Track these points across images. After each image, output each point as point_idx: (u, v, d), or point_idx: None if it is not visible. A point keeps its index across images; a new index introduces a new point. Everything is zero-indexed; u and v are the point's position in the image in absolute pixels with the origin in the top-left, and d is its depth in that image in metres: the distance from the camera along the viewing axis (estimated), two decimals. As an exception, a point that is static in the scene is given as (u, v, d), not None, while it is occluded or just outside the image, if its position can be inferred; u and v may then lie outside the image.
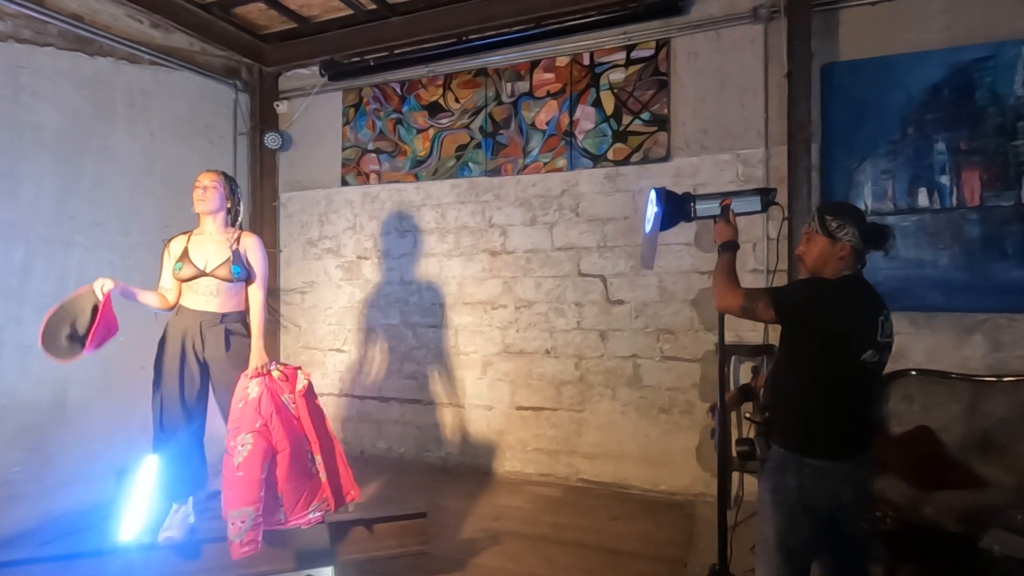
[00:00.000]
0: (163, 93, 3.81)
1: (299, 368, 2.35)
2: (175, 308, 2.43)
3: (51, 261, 3.16)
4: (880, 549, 2.31)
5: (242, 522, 2.06)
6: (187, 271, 2.32)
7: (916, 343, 2.95)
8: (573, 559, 2.69)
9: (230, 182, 2.49)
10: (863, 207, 3.00)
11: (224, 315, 2.37)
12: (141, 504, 2.42)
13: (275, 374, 2.25)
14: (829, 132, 3.04)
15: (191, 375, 2.33)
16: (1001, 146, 2.76)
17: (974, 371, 2.80)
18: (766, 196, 1.82)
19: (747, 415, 2.54)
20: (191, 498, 2.36)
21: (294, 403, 2.25)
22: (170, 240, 2.47)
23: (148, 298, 2.36)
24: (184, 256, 2.35)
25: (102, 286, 2.12)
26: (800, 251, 1.75)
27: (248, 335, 2.40)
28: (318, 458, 2.24)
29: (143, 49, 3.66)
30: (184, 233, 2.48)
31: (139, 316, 2.54)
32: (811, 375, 1.66)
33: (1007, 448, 2.54)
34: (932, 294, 2.89)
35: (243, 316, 2.46)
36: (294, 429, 2.21)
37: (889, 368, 2.90)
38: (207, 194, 2.37)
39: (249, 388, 2.19)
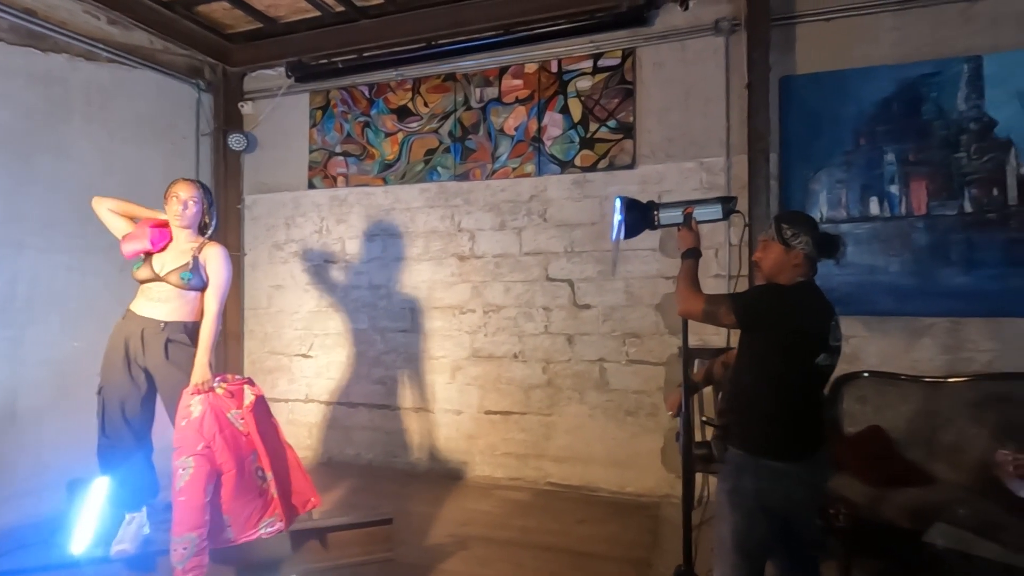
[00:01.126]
0: (122, 92, 3.71)
1: (247, 382, 2.28)
2: (125, 311, 2.35)
3: (2, 264, 3.04)
4: (835, 546, 2.40)
5: (184, 548, 2.00)
6: (143, 273, 2.26)
7: (869, 346, 3.07)
8: (540, 563, 2.71)
9: (208, 195, 2.43)
10: (819, 215, 3.11)
11: (167, 323, 2.27)
12: (93, 516, 2.34)
13: (219, 391, 2.19)
14: (787, 142, 3.15)
15: (133, 382, 2.25)
16: (946, 158, 2.90)
17: (923, 373, 2.93)
18: (727, 204, 1.88)
19: (704, 418, 2.60)
20: (145, 508, 2.28)
21: (242, 419, 2.18)
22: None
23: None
24: (148, 255, 2.30)
25: None
26: (757, 257, 1.82)
27: (191, 344, 2.29)
28: (268, 474, 2.18)
29: (101, 46, 3.55)
30: None
31: (94, 321, 2.46)
32: (769, 379, 1.72)
33: (952, 446, 2.66)
34: (884, 299, 3.01)
35: (188, 327, 2.35)
36: (240, 447, 2.15)
37: (844, 370, 3.05)
38: (188, 210, 2.31)
39: (192, 406, 2.12)
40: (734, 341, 3.28)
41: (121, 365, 2.21)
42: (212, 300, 2.34)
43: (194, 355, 2.25)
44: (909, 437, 2.76)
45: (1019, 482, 2.15)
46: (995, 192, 2.82)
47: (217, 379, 2.22)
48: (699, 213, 1.91)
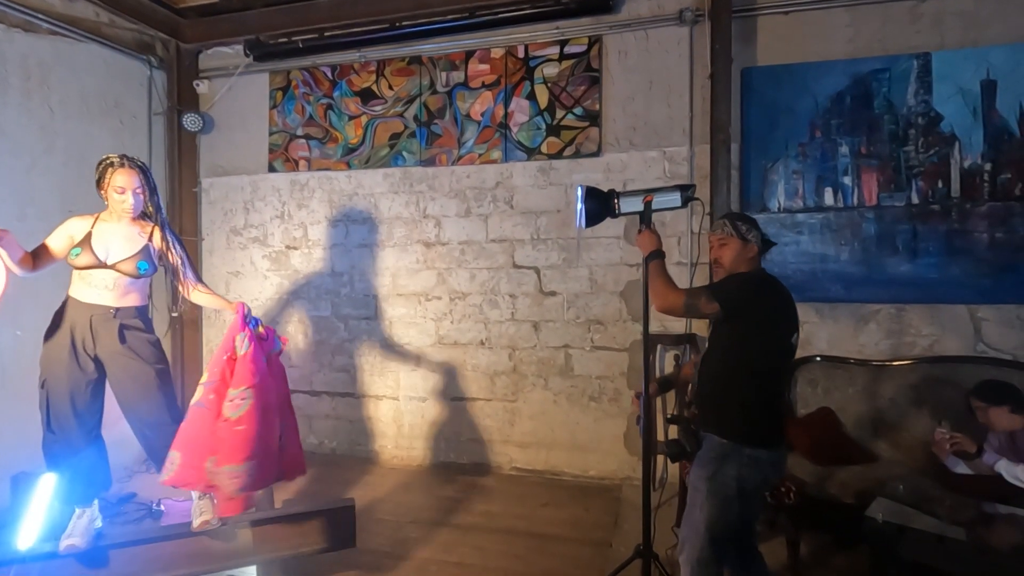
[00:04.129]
0: (64, 66, 3.50)
1: (273, 330, 2.31)
2: (65, 300, 2.23)
3: (-68, 247, 2.84)
4: (784, 522, 2.51)
5: (246, 475, 2.04)
6: (84, 259, 2.11)
7: (820, 331, 3.19)
8: (503, 546, 2.74)
9: (150, 180, 2.28)
10: (776, 205, 3.21)
11: (118, 309, 2.17)
12: (40, 511, 2.24)
13: (259, 330, 2.21)
14: (747, 133, 3.22)
15: (81, 372, 2.12)
16: (895, 151, 3.02)
17: (870, 357, 3.07)
18: (685, 192, 1.91)
19: (670, 415, 2.67)
20: (96, 501, 2.20)
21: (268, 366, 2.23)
22: (73, 217, 2.24)
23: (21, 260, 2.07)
24: (85, 241, 2.15)
25: None
26: (716, 255, 1.94)
27: (146, 330, 2.24)
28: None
29: (40, 16, 3.34)
30: (90, 215, 2.26)
31: (36, 310, 2.33)
32: (748, 365, 1.80)
33: (895, 426, 2.81)
34: (834, 286, 3.13)
35: (142, 311, 2.26)
36: (272, 392, 2.19)
37: (797, 355, 3.17)
38: (129, 199, 2.17)
39: (237, 343, 2.13)
40: (696, 327, 3.36)
41: (67, 355, 2.10)
42: (196, 285, 2.34)
43: (149, 342, 2.17)
44: (855, 418, 2.90)
45: (954, 459, 2.29)
46: (940, 184, 2.96)
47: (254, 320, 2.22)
48: (658, 201, 1.94)
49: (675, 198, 1.92)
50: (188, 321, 4.19)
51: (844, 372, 3.02)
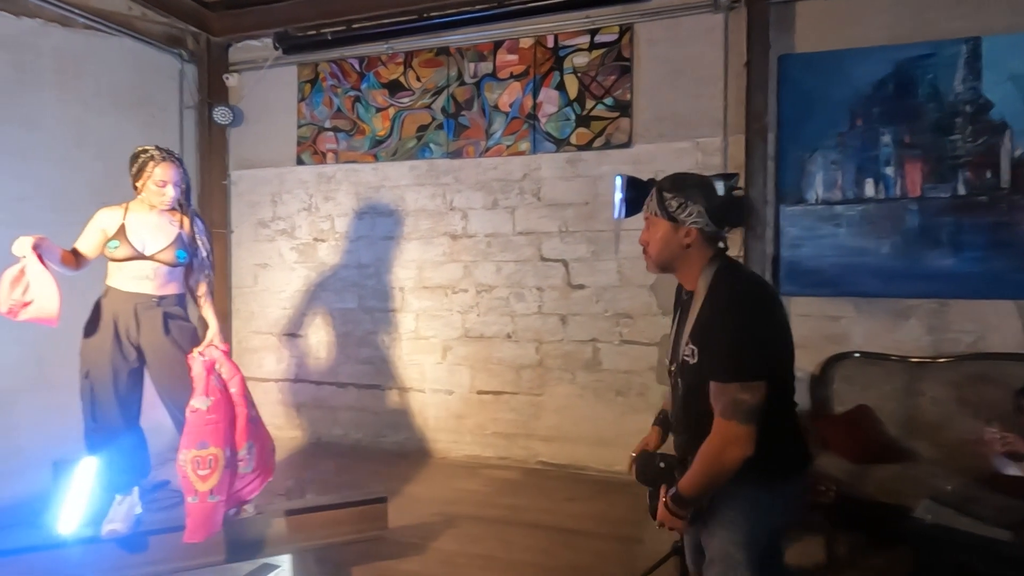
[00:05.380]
0: (97, 60, 3.55)
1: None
2: (105, 291, 2.26)
3: (-29, 238, 2.91)
4: (820, 520, 2.45)
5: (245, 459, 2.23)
6: (123, 251, 2.16)
7: (857, 327, 3.10)
8: (530, 540, 2.73)
9: (186, 176, 2.33)
10: (814, 196, 3.11)
11: (161, 297, 2.22)
12: (81, 496, 2.29)
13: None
14: (783, 122, 3.13)
15: (124, 361, 2.18)
16: (940, 140, 2.91)
17: (908, 353, 2.97)
18: (728, 181, 1.86)
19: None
20: (136, 488, 2.24)
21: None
22: (102, 210, 2.27)
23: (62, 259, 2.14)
24: (121, 234, 2.19)
25: (22, 246, 1.91)
26: (642, 239, 1.43)
27: (186, 318, 2.31)
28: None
29: (75, 11, 3.39)
30: (119, 205, 2.29)
31: (71, 299, 2.37)
32: (774, 391, 1.29)
33: (936, 424, 2.72)
34: (873, 280, 3.03)
35: (181, 299, 2.31)
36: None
37: (833, 351, 3.09)
38: (170, 192, 2.21)
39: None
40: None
41: (110, 345, 2.14)
42: (209, 279, 2.39)
43: (188, 330, 2.20)
44: (894, 416, 2.81)
45: (1004, 459, 2.20)
46: (988, 175, 2.84)
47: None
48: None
49: (719, 187, 1.86)
50: (217, 313, 4.23)
51: (882, 369, 2.93)
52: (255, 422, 2.31)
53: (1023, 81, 2.78)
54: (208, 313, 2.42)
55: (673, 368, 1.43)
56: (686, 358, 1.34)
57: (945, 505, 2.09)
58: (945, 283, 2.93)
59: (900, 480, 2.39)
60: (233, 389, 2.26)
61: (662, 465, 1.39)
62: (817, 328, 3.15)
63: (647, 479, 1.42)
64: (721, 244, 1.38)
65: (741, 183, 3.00)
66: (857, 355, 3.00)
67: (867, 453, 2.61)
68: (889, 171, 2.99)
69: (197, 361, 2.20)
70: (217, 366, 2.24)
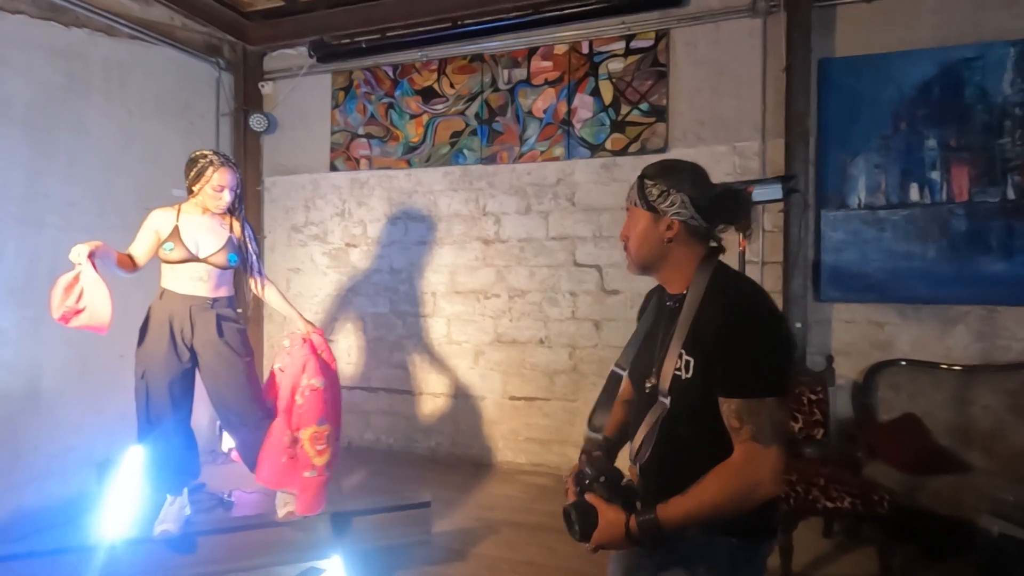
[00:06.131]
0: (141, 69, 3.63)
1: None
2: (160, 292, 2.30)
3: (22, 242, 2.97)
4: (873, 532, 2.39)
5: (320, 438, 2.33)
6: (178, 253, 2.20)
7: (903, 333, 3.04)
8: (571, 547, 2.61)
9: (241, 180, 2.40)
10: (857, 201, 3.06)
11: (215, 300, 2.27)
12: (127, 497, 2.31)
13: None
14: (824, 126, 3.10)
15: (179, 362, 2.21)
16: (988, 143, 2.86)
17: (957, 361, 2.91)
18: (787, 183, 1.83)
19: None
20: (186, 490, 2.26)
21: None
22: (156, 211, 2.31)
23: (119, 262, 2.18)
24: (175, 236, 2.22)
25: (79, 254, 1.94)
26: (622, 234, 1.27)
27: (239, 321, 2.35)
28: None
29: (121, 21, 3.47)
30: (171, 207, 2.33)
31: (117, 300, 2.40)
32: None
33: (990, 434, 2.65)
34: (919, 286, 2.98)
35: (231, 301, 2.35)
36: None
37: (878, 358, 3.03)
38: (226, 196, 2.26)
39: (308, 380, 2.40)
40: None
41: (167, 346, 2.17)
42: (262, 277, 2.45)
43: (240, 332, 2.23)
44: (944, 425, 2.75)
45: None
46: (1039, 179, 2.79)
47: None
48: (758, 193, 1.87)
49: (776, 189, 1.85)
50: (251, 318, 4.28)
51: (930, 377, 2.87)
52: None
53: (1075, 83, 2.73)
54: (282, 306, 2.53)
55: (648, 387, 1.18)
56: (677, 373, 1.10)
57: (1008, 517, 2.03)
58: (995, 289, 2.87)
59: (957, 491, 2.33)
60: (332, 369, 2.47)
61: (602, 480, 1.15)
62: (861, 334, 3.10)
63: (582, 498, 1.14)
64: (713, 243, 1.18)
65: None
66: (903, 363, 2.94)
67: (918, 463, 2.55)
68: (935, 175, 2.94)
69: (300, 344, 2.36)
70: (319, 350, 2.40)
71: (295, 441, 2.23)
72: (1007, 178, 2.83)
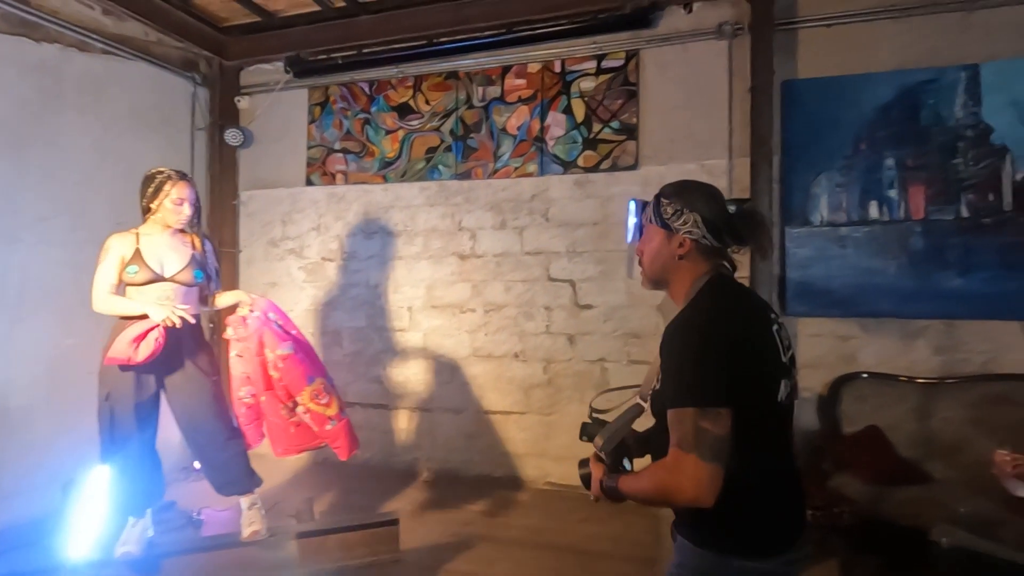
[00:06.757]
0: (116, 84, 3.62)
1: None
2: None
3: (-8, 259, 2.95)
4: (836, 543, 2.44)
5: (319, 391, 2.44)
6: (143, 275, 2.19)
7: (867, 347, 3.12)
8: (545, 562, 2.71)
9: (198, 194, 2.41)
10: (819, 218, 3.15)
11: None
12: (91, 517, 2.29)
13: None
14: (788, 146, 3.19)
15: (145, 382, 2.20)
16: (944, 164, 2.96)
17: (918, 374, 2.99)
18: (741, 205, 1.87)
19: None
20: (149, 511, 2.24)
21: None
22: (113, 237, 2.30)
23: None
24: (137, 258, 2.22)
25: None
26: (637, 249, 1.32)
27: (202, 340, 2.39)
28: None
29: (95, 36, 3.47)
30: (127, 231, 2.32)
31: (89, 317, 2.38)
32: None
33: (950, 446, 2.72)
34: (882, 301, 3.06)
35: (198, 319, 2.34)
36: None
37: (843, 371, 3.10)
38: (186, 210, 2.28)
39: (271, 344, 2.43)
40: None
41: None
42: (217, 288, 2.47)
43: (205, 352, 2.24)
44: (906, 437, 2.82)
45: (1016, 482, 2.20)
46: (991, 198, 2.89)
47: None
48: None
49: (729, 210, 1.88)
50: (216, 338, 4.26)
51: (893, 389, 2.94)
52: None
53: (1023, 107, 2.84)
54: (222, 297, 2.53)
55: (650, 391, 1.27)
56: (656, 384, 1.17)
57: (961, 527, 2.08)
58: (954, 303, 2.96)
59: (918, 502, 2.39)
60: (292, 332, 2.50)
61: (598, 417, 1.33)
62: (827, 348, 3.17)
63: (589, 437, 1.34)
64: (726, 263, 1.23)
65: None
66: (865, 375, 3.01)
67: (882, 474, 2.61)
68: (893, 193, 3.03)
69: (243, 324, 2.36)
70: (270, 315, 2.41)
71: (294, 408, 2.34)
72: (960, 197, 2.93)
